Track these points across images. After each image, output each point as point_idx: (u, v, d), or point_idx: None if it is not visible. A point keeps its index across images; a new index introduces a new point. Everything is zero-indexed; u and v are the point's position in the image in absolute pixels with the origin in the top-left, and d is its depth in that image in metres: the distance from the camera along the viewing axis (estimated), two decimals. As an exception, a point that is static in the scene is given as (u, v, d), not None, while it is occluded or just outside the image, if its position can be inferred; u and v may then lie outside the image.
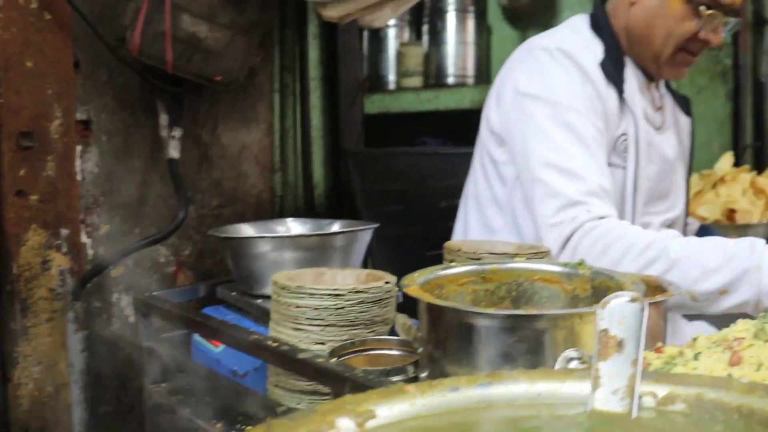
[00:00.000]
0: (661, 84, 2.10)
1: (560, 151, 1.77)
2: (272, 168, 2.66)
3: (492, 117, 1.97)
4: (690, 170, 2.17)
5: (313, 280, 1.56)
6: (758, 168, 4.81)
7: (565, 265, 1.38)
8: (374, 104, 4.78)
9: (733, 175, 3.07)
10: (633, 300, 0.96)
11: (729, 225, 2.92)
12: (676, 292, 1.46)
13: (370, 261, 2.56)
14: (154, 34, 2.07)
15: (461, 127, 4.98)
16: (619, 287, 1.25)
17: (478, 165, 2.05)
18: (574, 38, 1.93)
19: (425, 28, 5.30)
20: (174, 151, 2.29)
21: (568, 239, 1.70)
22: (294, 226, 2.09)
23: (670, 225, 2.00)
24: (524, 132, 1.83)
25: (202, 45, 2.17)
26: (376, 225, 1.87)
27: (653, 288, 1.55)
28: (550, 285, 1.38)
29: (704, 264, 1.60)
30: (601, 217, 1.71)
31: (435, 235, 2.53)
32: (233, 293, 1.91)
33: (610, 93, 1.88)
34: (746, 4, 4.82)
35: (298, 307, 1.45)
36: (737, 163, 4.92)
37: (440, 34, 5.16)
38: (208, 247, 2.52)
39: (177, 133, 2.29)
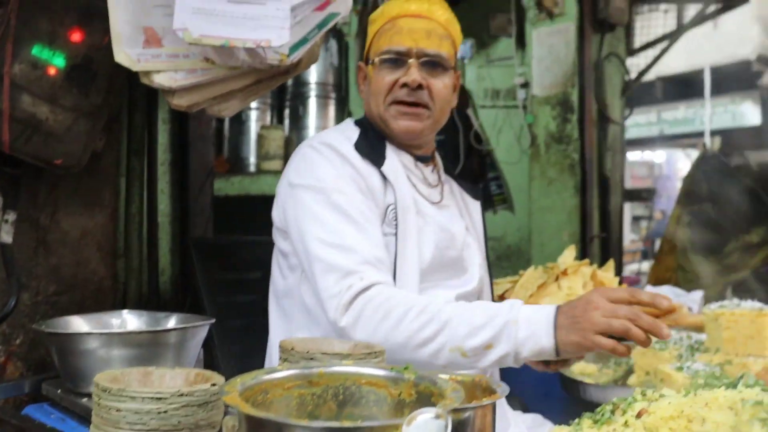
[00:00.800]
0: (439, 167, 2.25)
1: (331, 229, 1.88)
2: (115, 254, 2.58)
3: (274, 214, 2.10)
4: (486, 249, 2.28)
5: (139, 380, 1.50)
6: (603, 257, 5.04)
7: (392, 369, 1.39)
8: (234, 186, 4.77)
9: (574, 268, 3.18)
10: (437, 416, 0.97)
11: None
12: (503, 394, 1.50)
13: (216, 354, 2.50)
14: (-10, 113, 2.00)
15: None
16: (441, 393, 1.26)
17: (274, 260, 2.12)
18: (335, 133, 2.10)
19: (287, 112, 5.38)
20: (6, 236, 2.18)
21: (348, 307, 1.80)
22: (130, 319, 2.01)
23: (465, 298, 2.08)
24: (298, 218, 1.94)
25: (43, 127, 2.10)
26: (211, 321, 1.83)
27: (482, 388, 1.57)
28: (377, 389, 1.37)
29: (471, 322, 1.73)
30: (376, 284, 1.78)
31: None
32: (59, 390, 1.81)
33: (370, 170, 2.02)
34: (591, 105, 5.11)
35: (118, 410, 1.38)
36: (584, 253, 5.15)
37: (302, 118, 5.24)
38: (42, 336, 2.40)
39: (11, 216, 2.19)
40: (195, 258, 2.50)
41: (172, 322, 1.93)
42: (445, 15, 2.10)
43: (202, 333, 1.83)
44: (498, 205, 5.64)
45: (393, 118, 2.06)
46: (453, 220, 2.17)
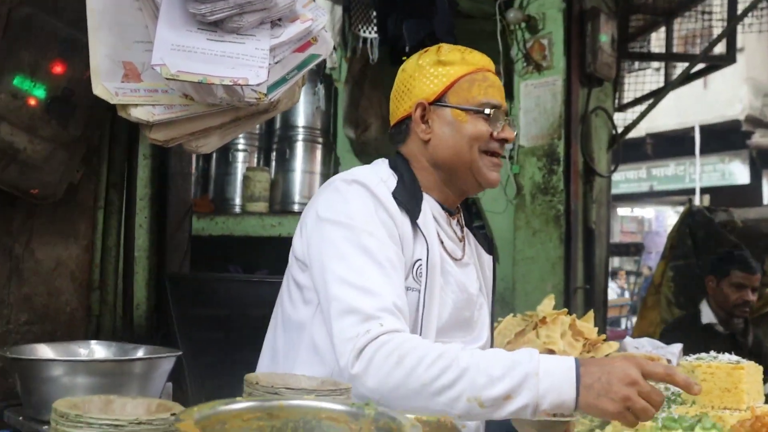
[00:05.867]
0: (461, 221, 2.23)
1: (356, 270, 1.85)
2: (90, 286, 2.58)
3: (296, 244, 2.05)
4: (492, 305, 2.28)
5: (100, 408, 1.49)
6: (587, 309, 5.03)
7: (352, 405, 1.39)
8: (218, 226, 4.79)
9: (553, 316, 3.19)
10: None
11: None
12: (464, 432, 1.50)
13: (187, 390, 2.49)
14: (-33, 141, 2.02)
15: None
16: (400, 429, 1.27)
17: (285, 290, 2.10)
18: (371, 173, 2.06)
19: (274, 154, 5.43)
20: (-21, 264, 2.19)
21: (361, 351, 1.75)
22: (97, 349, 2.01)
23: None
24: (322, 253, 1.91)
25: (20, 156, 2.12)
26: (177, 353, 1.83)
27: (446, 429, 1.58)
28: (337, 424, 1.37)
29: (490, 372, 1.68)
30: (394, 332, 1.77)
31: (256, 364, 2.49)
32: (20, 417, 1.80)
33: (404, 219, 2.00)
34: (578, 158, 5.16)
35: (76, 437, 1.38)
36: (567, 304, 5.16)
37: (288, 161, 5.28)
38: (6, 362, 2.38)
39: (-16, 244, 2.20)
40: (170, 293, 2.51)
41: (139, 353, 1.93)
42: None
43: (168, 365, 1.82)
44: (482, 254, 5.67)
45: (487, 168, 2.08)
46: (471, 280, 2.17)
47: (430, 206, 2.09)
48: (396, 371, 1.70)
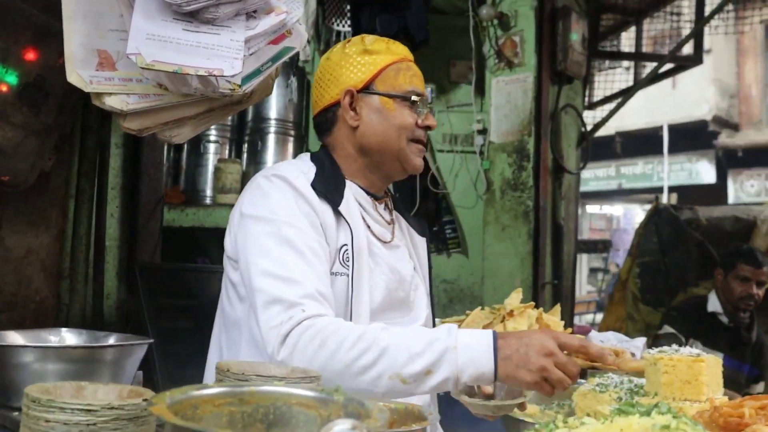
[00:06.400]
0: (390, 205, 2.30)
1: (277, 262, 1.90)
2: (60, 275, 2.58)
3: (227, 243, 2.10)
4: (430, 286, 2.33)
5: (71, 394, 1.50)
6: (555, 304, 5.07)
7: (322, 390, 1.41)
8: (188, 217, 4.77)
9: (520, 309, 3.23)
10: (353, 428, 1.00)
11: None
12: (433, 420, 1.53)
13: (157, 378, 2.50)
14: (-63, 128, 2.01)
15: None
16: (368, 414, 1.29)
17: (223, 289, 2.15)
18: (291, 167, 2.12)
19: (245, 146, 5.42)
20: (-52, 251, 2.18)
21: (285, 337, 1.80)
22: (68, 337, 2.02)
23: None
24: (247, 250, 1.95)
25: (-9, 144, 2.12)
26: (149, 341, 1.84)
27: (414, 416, 1.60)
28: (307, 410, 1.40)
29: (410, 349, 1.75)
30: (317, 316, 1.82)
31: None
32: (-10, 404, 1.80)
33: (325, 208, 2.05)
34: (547, 154, 5.22)
35: (47, 421, 1.38)
36: (536, 299, 5.21)
37: (260, 153, 5.28)
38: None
39: (-46, 231, 2.19)
40: (140, 283, 2.51)
41: (110, 340, 1.94)
42: None
43: (140, 352, 1.84)
44: (452, 249, 5.71)
45: (414, 155, 2.15)
46: (402, 260, 2.21)
47: (353, 192, 2.14)
48: (319, 354, 1.76)
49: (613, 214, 22.30)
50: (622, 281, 6.46)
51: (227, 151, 5.41)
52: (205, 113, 2.21)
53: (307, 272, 1.89)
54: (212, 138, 5.26)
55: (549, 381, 1.74)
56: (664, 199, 16.33)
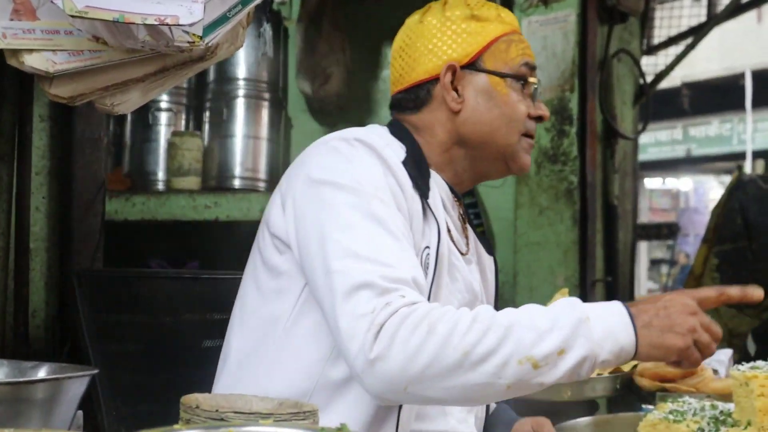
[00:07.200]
0: (463, 210, 2.30)
1: (366, 240, 1.89)
2: (-28, 288, 2.57)
3: (274, 219, 2.06)
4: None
5: (-6, 444, 1.50)
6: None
7: (321, 430, 1.41)
8: (136, 208, 4.77)
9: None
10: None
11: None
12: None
13: (100, 416, 2.50)
14: None
15: (246, 245, 5.01)
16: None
17: (250, 279, 2.11)
18: (373, 135, 2.10)
19: (207, 115, 5.38)
20: None
21: (381, 327, 1.78)
22: (-14, 369, 2.01)
23: None
24: (322, 223, 1.93)
25: None
26: (93, 371, 1.83)
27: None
28: (302, 456, 1.40)
29: (536, 325, 1.78)
30: (417, 303, 1.82)
31: (192, 384, 2.50)
32: None
33: (414, 195, 2.04)
34: (595, 115, 5.21)
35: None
36: (584, 301, 5.20)
37: (226, 124, 5.22)
38: None
39: None
40: (78, 295, 2.51)
41: (41, 372, 1.93)
42: None
43: (80, 387, 1.83)
44: (476, 240, 5.70)
45: (524, 151, 2.20)
46: (476, 280, 2.24)
47: (438, 184, 2.15)
48: (428, 343, 1.76)
49: (681, 189, 22.34)
50: (695, 276, 6.45)
51: (183, 122, 5.38)
52: (156, 74, 2.21)
53: (402, 256, 1.90)
54: (163, 105, 5.23)
55: (698, 345, 1.83)
56: (748, 167, 16.33)
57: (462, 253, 2.19)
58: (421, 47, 2.18)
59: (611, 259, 5.47)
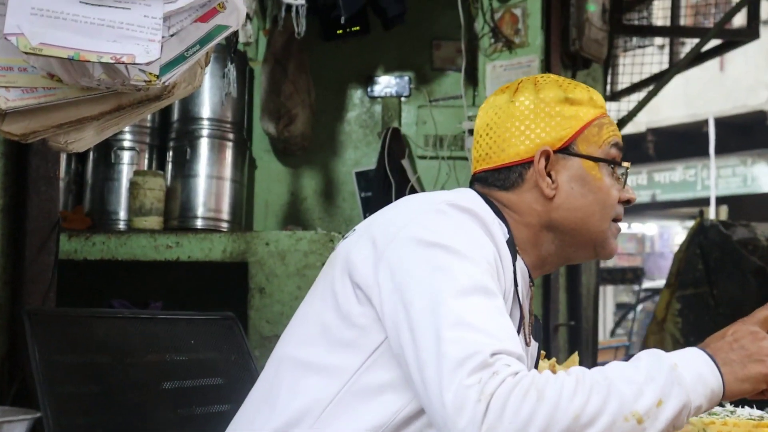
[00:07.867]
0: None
1: (480, 311, 1.84)
2: None
3: (361, 270, 1.98)
4: None
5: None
6: (572, 352, 5.05)
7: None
8: (96, 248, 4.73)
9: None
10: None
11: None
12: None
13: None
14: None
15: (208, 285, 4.98)
16: None
17: (314, 322, 2.03)
18: (483, 206, 2.07)
19: (170, 154, 5.36)
20: None
21: (491, 397, 1.73)
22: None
23: None
24: (434, 286, 1.87)
25: None
26: (36, 415, 1.80)
27: None
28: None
29: (633, 379, 1.76)
30: (521, 373, 1.78)
31: (149, 427, 2.47)
32: None
33: (511, 279, 2.02)
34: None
35: None
36: (546, 346, 5.20)
37: (189, 164, 5.21)
38: None
39: None
40: (29, 335, 2.46)
41: (-13, 415, 1.90)
42: None
43: (20, 431, 1.79)
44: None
45: (614, 237, 2.17)
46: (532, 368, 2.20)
47: (521, 271, 2.11)
48: (539, 410, 1.73)
49: (646, 233, 22.49)
50: (658, 321, 6.49)
51: (146, 161, 5.37)
52: (112, 113, 2.18)
53: (510, 333, 1.86)
54: (126, 144, 5.22)
55: None
56: (711, 213, 16.50)
57: (527, 344, 2.14)
58: (512, 128, 2.14)
59: (575, 303, 5.48)
